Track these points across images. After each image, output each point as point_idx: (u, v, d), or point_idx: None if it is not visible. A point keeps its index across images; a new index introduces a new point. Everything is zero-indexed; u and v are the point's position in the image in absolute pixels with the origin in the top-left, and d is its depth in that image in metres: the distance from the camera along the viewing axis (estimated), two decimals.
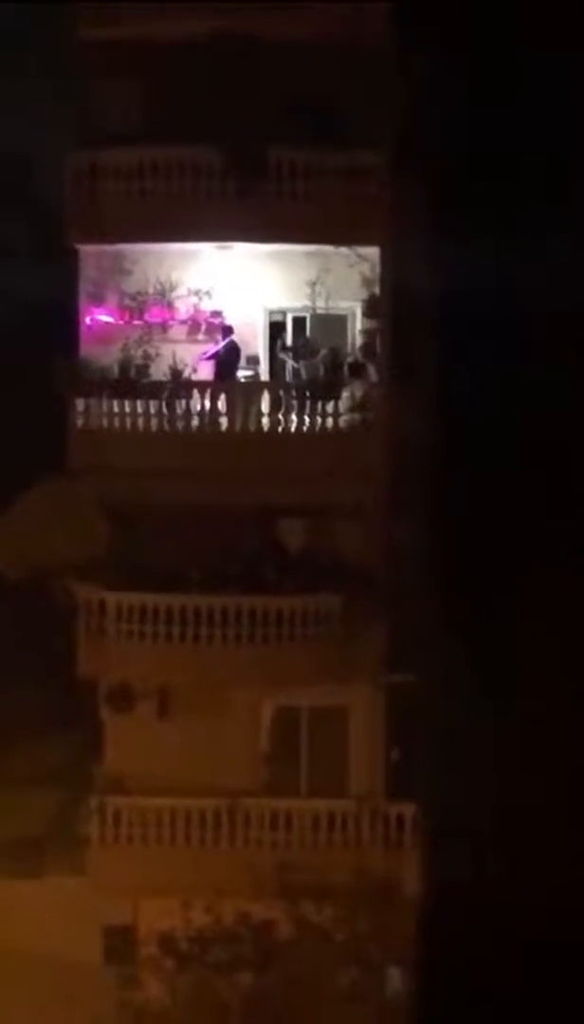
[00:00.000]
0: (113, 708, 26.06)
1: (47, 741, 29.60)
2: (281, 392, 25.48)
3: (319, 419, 25.46)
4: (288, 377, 26.01)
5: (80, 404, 25.51)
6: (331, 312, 26.13)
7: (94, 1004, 23.93)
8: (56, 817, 27.48)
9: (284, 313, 26.38)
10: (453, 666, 25.16)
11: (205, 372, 26.02)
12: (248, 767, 25.97)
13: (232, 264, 26.20)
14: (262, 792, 25.86)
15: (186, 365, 25.65)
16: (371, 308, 25.88)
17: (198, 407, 25.42)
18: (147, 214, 25.22)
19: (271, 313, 26.41)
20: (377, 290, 25.74)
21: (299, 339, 26.19)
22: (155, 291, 26.16)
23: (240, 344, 26.12)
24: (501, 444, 25.61)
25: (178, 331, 26.23)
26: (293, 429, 25.44)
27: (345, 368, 25.75)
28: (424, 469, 25.55)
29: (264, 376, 26.29)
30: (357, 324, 26.23)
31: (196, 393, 25.45)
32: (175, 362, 25.67)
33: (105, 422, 25.50)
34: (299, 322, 26.33)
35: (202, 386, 25.56)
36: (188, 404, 25.43)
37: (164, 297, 26.16)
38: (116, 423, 25.48)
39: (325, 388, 25.49)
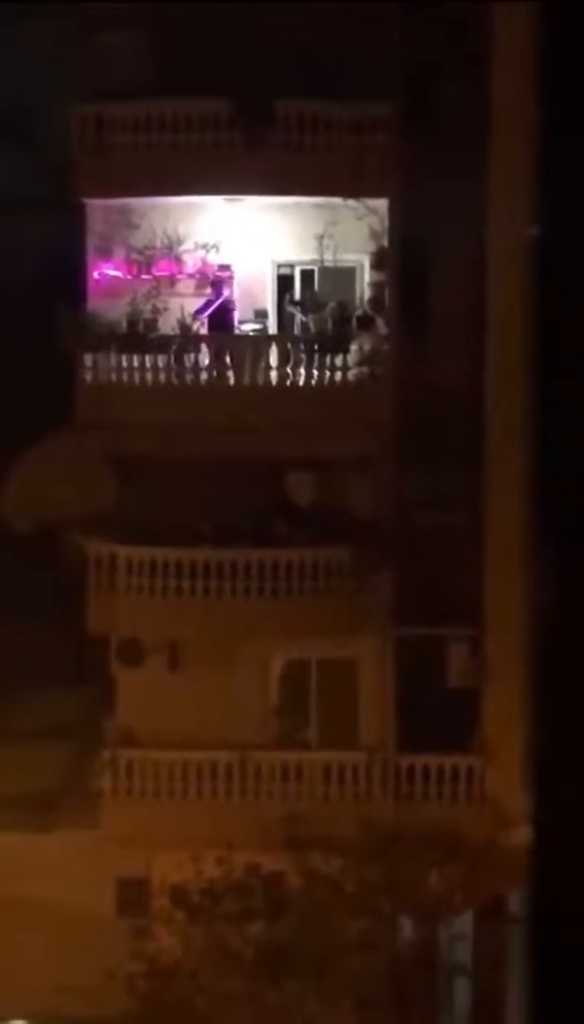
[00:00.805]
0: (124, 662, 26.15)
1: (59, 695, 29.76)
2: (289, 345, 25.44)
3: (328, 372, 25.43)
4: (296, 330, 25.96)
5: (88, 359, 25.49)
6: (339, 265, 26.07)
7: (107, 956, 24.06)
8: (68, 771, 27.64)
9: (292, 266, 26.31)
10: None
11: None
12: (258, 720, 26.08)
13: (240, 217, 26.13)
14: (273, 744, 25.99)
15: (194, 319, 25.61)
16: (379, 261, 25.82)
17: (206, 361, 25.38)
18: (154, 167, 25.14)
19: (279, 266, 26.35)
20: (385, 242, 25.67)
21: (306, 292, 26.13)
22: (163, 245, 26.09)
23: (249, 297, 26.08)
24: None
25: (186, 285, 26.18)
26: (301, 383, 25.41)
27: (353, 321, 25.72)
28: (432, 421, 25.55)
29: (272, 330, 26.24)
30: (365, 277, 26.17)
31: (204, 347, 25.41)
32: (183, 316, 25.63)
33: (113, 377, 25.48)
34: (307, 275, 26.27)
35: (210, 340, 25.52)
36: (197, 358, 25.40)
37: (172, 251, 26.10)
38: (124, 378, 25.46)
39: (333, 341, 25.45)
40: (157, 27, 25.50)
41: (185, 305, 25.79)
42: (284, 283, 26.33)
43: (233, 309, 25.91)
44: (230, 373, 25.38)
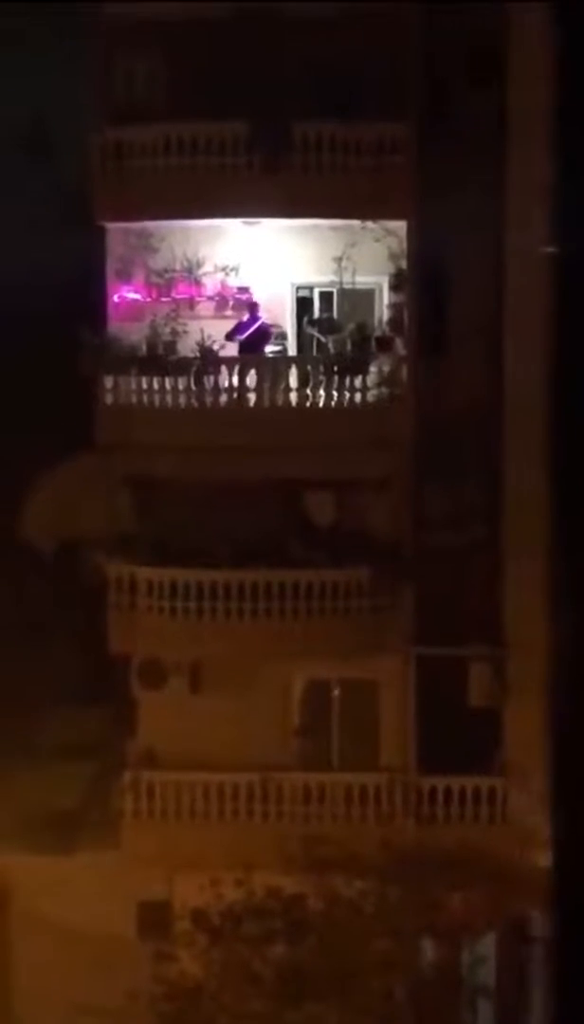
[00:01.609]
0: (145, 684, 26.21)
1: (80, 716, 29.84)
2: (309, 367, 25.50)
3: (347, 393, 25.49)
4: (315, 352, 26.02)
5: (109, 381, 25.59)
6: (358, 287, 26.13)
7: (129, 977, 24.08)
8: (90, 792, 27.70)
9: (311, 288, 26.40)
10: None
11: (232, 347, 26.04)
12: (279, 741, 26.09)
13: (259, 240, 26.22)
14: (294, 766, 26.00)
15: (214, 341, 25.69)
16: (398, 282, 25.87)
17: (226, 383, 25.46)
18: (173, 191, 25.26)
19: (298, 288, 26.42)
20: (404, 264, 25.72)
21: (325, 314, 26.20)
22: (182, 268, 26.22)
23: (268, 319, 26.14)
24: None
25: (205, 307, 26.28)
26: (321, 404, 25.47)
27: (372, 342, 25.77)
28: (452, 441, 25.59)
29: (292, 351, 26.31)
30: (384, 298, 26.22)
31: (224, 369, 25.49)
32: (203, 338, 25.71)
33: (133, 399, 25.58)
34: (326, 297, 26.34)
35: (230, 362, 25.60)
36: (216, 380, 25.47)
37: (191, 274, 26.22)
38: (144, 400, 25.56)
39: (353, 363, 25.52)
40: (175, 51, 25.63)
41: (204, 327, 25.88)
42: (303, 305, 26.42)
43: (271, 334, 25.97)
44: (250, 395, 25.45)
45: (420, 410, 25.65)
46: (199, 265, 26.23)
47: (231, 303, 26.19)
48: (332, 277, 26.06)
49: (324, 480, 25.74)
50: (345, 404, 25.48)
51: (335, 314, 26.24)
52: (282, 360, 25.90)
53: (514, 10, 25.04)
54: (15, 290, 27.48)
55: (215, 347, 25.64)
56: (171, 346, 25.77)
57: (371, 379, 25.56)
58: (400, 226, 25.57)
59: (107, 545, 25.94)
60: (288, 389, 25.44)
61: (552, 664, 25.57)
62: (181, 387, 25.46)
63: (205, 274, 26.26)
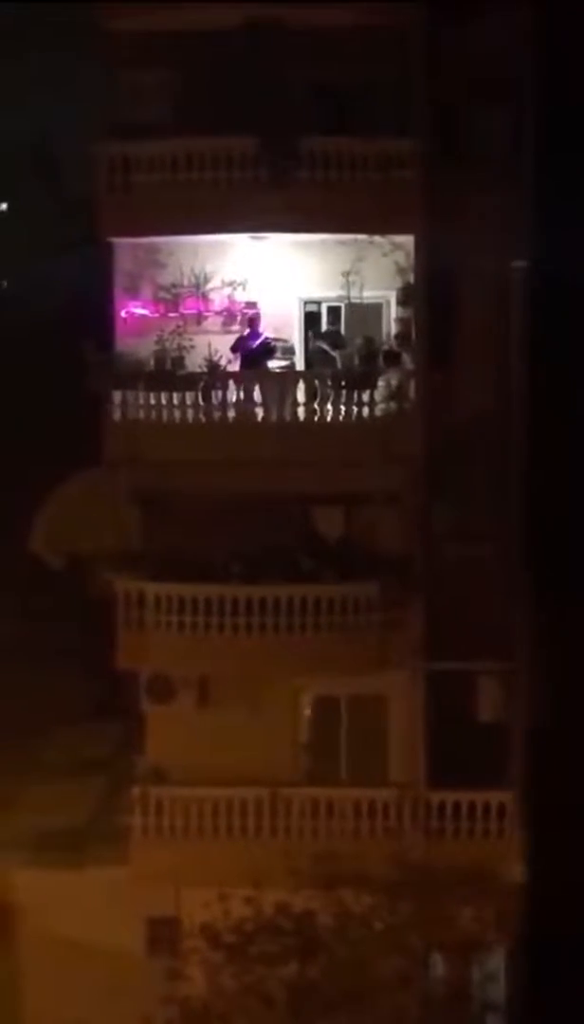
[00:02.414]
0: (153, 699, 26.16)
1: (89, 732, 29.82)
2: (317, 382, 25.47)
3: (355, 408, 25.44)
4: (323, 367, 25.99)
5: (117, 396, 25.56)
6: (366, 301, 26.10)
7: (138, 995, 24.04)
8: (98, 807, 27.66)
9: (319, 303, 26.37)
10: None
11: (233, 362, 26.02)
12: (288, 756, 26.04)
13: (266, 255, 26.20)
14: (303, 781, 25.95)
15: (221, 356, 25.67)
16: (406, 296, 25.84)
17: (234, 398, 25.44)
18: (180, 206, 25.19)
19: (306, 303, 26.40)
20: (412, 278, 25.69)
21: (333, 329, 26.18)
22: (190, 283, 26.18)
23: (275, 334, 26.12)
24: None
25: (213, 323, 26.26)
26: (329, 419, 25.43)
27: (380, 357, 25.75)
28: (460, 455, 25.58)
29: (299, 366, 26.28)
30: (392, 313, 26.20)
31: (232, 384, 25.47)
32: (210, 353, 25.69)
33: (141, 414, 25.54)
34: (334, 312, 26.32)
35: (238, 377, 25.58)
36: (224, 395, 25.45)
37: (199, 289, 26.18)
38: (152, 415, 25.52)
39: (361, 377, 25.48)
40: (182, 65, 25.61)
41: (212, 342, 25.86)
42: (311, 320, 26.39)
43: (274, 350, 25.96)
44: (258, 410, 25.42)
45: (428, 424, 25.61)
46: (207, 280, 26.19)
47: (239, 318, 26.16)
48: (340, 292, 26.03)
49: (332, 495, 25.71)
50: (353, 419, 25.43)
51: (342, 329, 26.21)
52: (290, 375, 25.88)
53: (523, 27, 25.01)
54: (23, 306, 27.52)
55: (223, 362, 25.65)
56: (179, 361, 25.75)
57: (379, 393, 25.51)
58: (408, 240, 25.54)
59: (115, 560, 25.91)
60: (296, 404, 25.41)
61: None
62: (189, 402, 25.43)
63: (213, 289, 26.23)
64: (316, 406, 25.39)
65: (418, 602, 25.73)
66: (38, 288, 27.31)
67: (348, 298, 26.04)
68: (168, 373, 25.55)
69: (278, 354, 25.98)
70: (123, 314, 26.22)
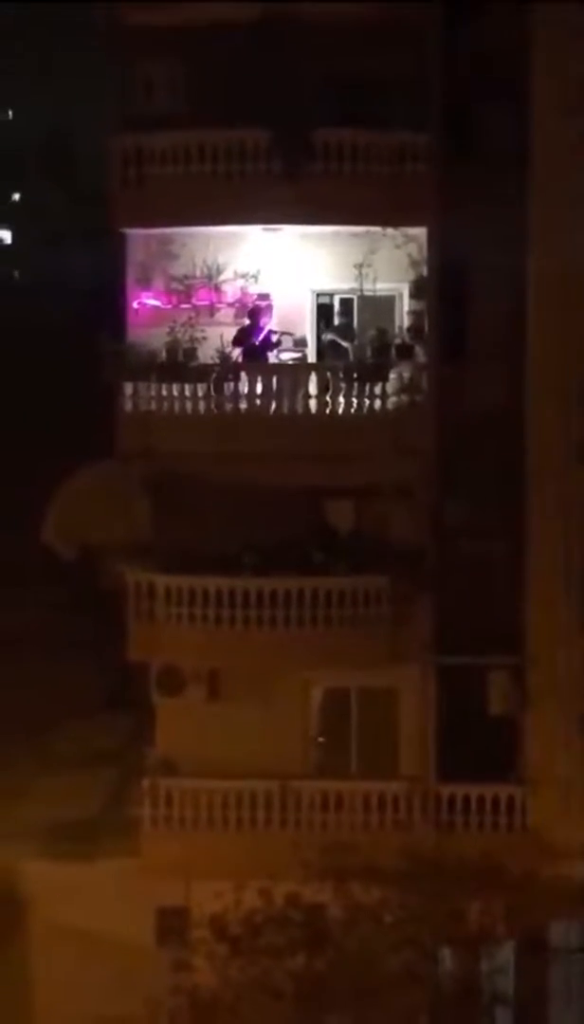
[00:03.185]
0: (163, 691, 26.15)
1: (99, 723, 29.85)
2: (329, 374, 25.45)
3: (367, 401, 25.41)
4: (335, 359, 25.96)
5: (129, 388, 25.56)
6: (378, 294, 26.07)
7: (147, 985, 24.04)
8: (109, 799, 27.69)
9: (331, 295, 26.33)
10: None
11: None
12: (298, 749, 26.03)
13: (279, 246, 26.17)
14: (313, 774, 25.93)
15: (233, 348, 25.63)
16: (418, 289, 25.80)
17: (246, 390, 25.42)
18: (193, 197, 25.15)
19: (318, 295, 26.37)
20: (424, 271, 25.64)
21: (345, 321, 26.15)
22: (202, 274, 26.17)
23: (288, 326, 26.09)
24: None
25: (225, 314, 26.23)
26: (341, 411, 25.41)
27: (393, 350, 25.71)
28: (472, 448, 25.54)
29: (311, 358, 26.26)
30: (405, 305, 26.16)
31: (244, 376, 25.45)
32: (223, 345, 25.67)
33: (153, 405, 25.54)
34: (346, 304, 26.28)
35: (250, 369, 25.55)
36: (236, 387, 25.44)
37: (211, 280, 26.17)
38: (164, 406, 25.51)
39: (373, 370, 25.44)
40: (195, 57, 25.58)
41: (224, 334, 25.84)
42: (323, 312, 26.37)
43: (278, 343, 25.92)
44: (270, 402, 25.38)
45: (441, 417, 25.57)
46: (219, 272, 26.18)
47: (250, 309, 26.13)
48: (352, 284, 25.98)
49: (344, 488, 25.67)
50: (365, 411, 25.39)
51: (355, 321, 26.19)
52: (302, 367, 25.85)
53: (537, 22, 24.96)
54: (36, 297, 27.53)
55: (234, 354, 25.62)
56: (191, 353, 25.73)
57: (391, 386, 25.47)
58: (421, 232, 25.48)
59: (127, 552, 25.90)
60: (308, 396, 25.39)
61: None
62: (201, 394, 25.42)
63: (225, 281, 26.21)
64: (328, 399, 25.36)
65: (429, 595, 25.69)
66: (50, 279, 27.29)
67: (360, 290, 26.00)
68: (180, 364, 25.51)
69: (284, 346, 25.91)
70: (135, 305, 26.21)
